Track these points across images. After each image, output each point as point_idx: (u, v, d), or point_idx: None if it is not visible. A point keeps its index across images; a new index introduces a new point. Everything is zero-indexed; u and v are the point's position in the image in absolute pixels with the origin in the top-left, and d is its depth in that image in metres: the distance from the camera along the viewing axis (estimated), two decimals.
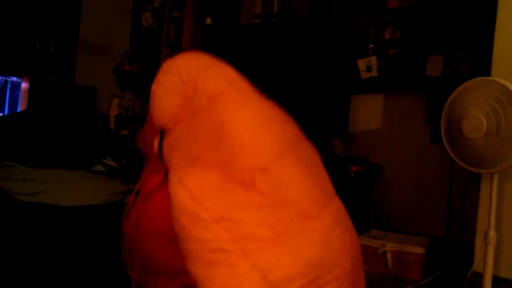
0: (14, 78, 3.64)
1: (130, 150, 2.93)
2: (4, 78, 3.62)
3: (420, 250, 2.29)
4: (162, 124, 0.78)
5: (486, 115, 1.60)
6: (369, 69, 2.84)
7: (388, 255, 2.33)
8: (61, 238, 1.46)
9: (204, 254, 0.60)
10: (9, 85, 3.68)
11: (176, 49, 3.90)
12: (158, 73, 0.76)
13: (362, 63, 2.85)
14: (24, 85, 3.58)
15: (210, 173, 0.64)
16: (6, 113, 3.63)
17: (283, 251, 0.61)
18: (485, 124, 1.59)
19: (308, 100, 2.89)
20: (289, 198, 0.63)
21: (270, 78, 3.03)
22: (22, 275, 1.32)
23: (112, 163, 2.30)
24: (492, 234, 1.70)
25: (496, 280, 1.79)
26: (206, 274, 0.60)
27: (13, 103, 3.67)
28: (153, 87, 0.76)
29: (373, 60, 2.83)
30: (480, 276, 1.76)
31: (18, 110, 3.60)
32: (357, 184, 2.62)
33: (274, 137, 0.70)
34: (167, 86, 0.74)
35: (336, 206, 0.79)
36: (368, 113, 2.98)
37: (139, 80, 3.98)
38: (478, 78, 1.65)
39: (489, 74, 1.93)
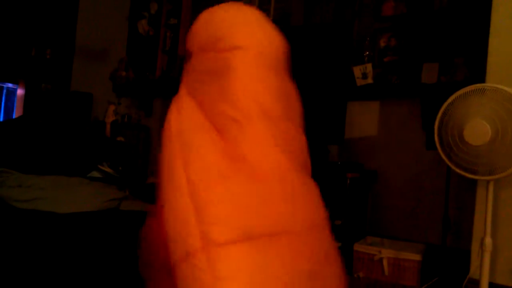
0: (10, 85, 3.63)
1: (125, 157, 2.93)
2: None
3: (417, 257, 2.29)
4: (190, 48, 0.77)
5: (491, 122, 1.60)
6: (364, 76, 2.86)
7: (385, 262, 2.33)
8: (58, 244, 1.45)
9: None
10: (4, 91, 3.67)
11: (172, 56, 3.91)
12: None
13: (357, 70, 2.87)
14: (20, 92, 3.57)
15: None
16: (1, 119, 3.62)
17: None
18: (490, 130, 1.59)
19: (305, 106, 2.90)
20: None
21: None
22: (19, 281, 1.31)
23: (108, 170, 2.29)
24: (488, 240, 1.71)
25: (492, 286, 1.80)
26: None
27: (9, 110, 3.66)
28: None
29: (369, 67, 2.85)
30: (476, 283, 1.76)
31: (14, 117, 3.59)
32: (353, 190, 2.62)
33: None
34: (206, 24, 0.73)
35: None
36: (364, 119, 2.99)
37: (135, 87, 3.98)
38: (474, 85, 1.66)
39: (483, 81, 1.95)
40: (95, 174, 2.27)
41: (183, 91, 0.73)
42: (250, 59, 0.69)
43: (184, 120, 0.67)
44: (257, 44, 0.74)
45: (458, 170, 1.70)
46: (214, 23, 0.73)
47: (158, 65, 3.94)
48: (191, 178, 0.57)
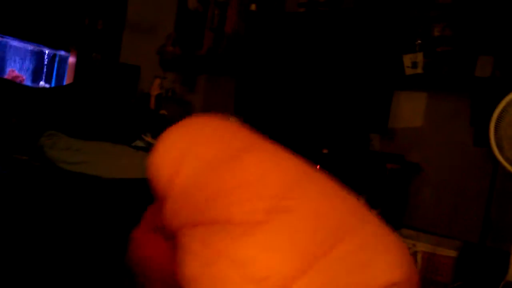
0: (63, 52, 3.76)
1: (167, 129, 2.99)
2: (53, 51, 3.75)
3: (452, 253, 2.24)
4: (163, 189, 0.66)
5: None
6: (414, 65, 2.77)
7: (419, 256, 2.29)
8: (100, 207, 1.52)
9: None
10: (57, 58, 3.81)
11: (219, 34, 3.92)
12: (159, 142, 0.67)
13: (407, 59, 2.78)
14: (72, 60, 3.70)
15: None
16: (53, 85, 3.77)
17: None
18: None
19: (350, 92, 2.86)
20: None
21: (313, 69, 3.01)
22: (61, 237, 1.39)
23: (151, 140, 2.36)
24: None
25: None
26: None
27: (60, 76, 3.81)
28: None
29: (420, 56, 2.76)
30: None
31: (65, 83, 3.74)
32: (392, 181, 2.58)
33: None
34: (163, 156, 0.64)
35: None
36: (409, 110, 2.92)
37: (181, 63, 4.04)
38: None
39: None
40: (139, 143, 2.34)
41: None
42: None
43: None
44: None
45: (510, 166, 1.65)
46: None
47: (205, 42, 3.97)
48: None
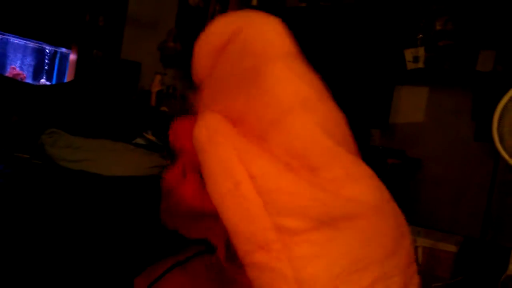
0: (63, 49, 3.77)
1: (168, 126, 3.00)
2: (54, 48, 3.75)
3: (453, 249, 2.24)
4: (200, 78, 0.72)
5: None
6: (416, 60, 2.75)
7: (419, 251, 2.29)
8: (102, 204, 1.53)
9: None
10: (58, 55, 3.81)
11: None
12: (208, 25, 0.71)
13: (409, 54, 2.77)
14: (72, 56, 3.71)
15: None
16: (54, 82, 3.78)
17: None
18: None
19: (351, 88, 2.85)
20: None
21: (314, 64, 3.00)
22: (62, 235, 1.40)
23: (152, 138, 2.36)
24: None
25: None
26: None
27: (61, 74, 3.81)
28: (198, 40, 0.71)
29: (421, 51, 2.74)
30: None
31: (65, 80, 3.74)
32: (393, 177, 2.57)
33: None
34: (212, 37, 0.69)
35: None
36: (411, 105, 2.91)
37: (182, 59, 4.03)
38: None
39: None
40: (139, 141, 2.34)
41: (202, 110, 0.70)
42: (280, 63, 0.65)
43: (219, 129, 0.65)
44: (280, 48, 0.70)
45: None
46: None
47: None
48: (254, 174, 0.55)
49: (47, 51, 3.73)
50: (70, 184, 1.65)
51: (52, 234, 1.39)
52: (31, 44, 3.62)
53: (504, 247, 2.00)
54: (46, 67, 3.75)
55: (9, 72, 3.39)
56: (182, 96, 4.00)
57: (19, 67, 3.54)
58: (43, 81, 3.68)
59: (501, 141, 1.75)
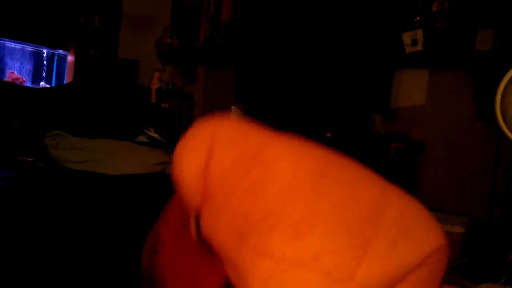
0: (61, 51, 3.76)
1: (170, 123, 3.00)
2: (51, 50, 3.75)
3: (460, 229, 2.25)
4: (190, 199, 0.66)
5: None
6: (414, 42, 2.74)
7: None
8: (108, 204, 1.54)
9: None
10: (56, 58, 3.81)
11: (215, 23, 3.90)
12: (185, 137, 0.66)
13: (407, 37, 2.76)
14: (70, 58, 3.70)
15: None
16: (53, 84, 3.78)
17: None
18: None
19: (350, 74, 2.84)
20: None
21: (313, 52, 2.99)
22: (69, 236, 1.41)
23: (154, 135, 2.36)
24: None
25: None
26: None
27: (60, 76, 3.81)
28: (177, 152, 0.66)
29: (419, 33, 2.73)
30: None
31: (65, 82, 3.74)
32: (397, 161, 2.57)
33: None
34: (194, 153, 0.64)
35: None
36: (411, 88, 2.90)
37: (179, 54, 4.03)
38: None
39: None
40: (142, 138, 2.35)
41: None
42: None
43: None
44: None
45: None
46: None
47: (202, 32, 3.95)
48: None
49: (45, 54, 3.73)
50: (76, 185, 1.66)
51: (61, 235, 1.40)
52: (28, 47, 3.62)
53: (511, 225, 2.00)
54: (44, 70, 3.74)
55: (8, 77, 3.39)
56: (181, 91, 4.00)
57: (17, 71, 3.54)
58: (42, 84, 3.68)
59: (504, 119, 1.75)
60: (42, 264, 1.30)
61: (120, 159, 1.84)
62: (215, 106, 3.85)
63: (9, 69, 3.48)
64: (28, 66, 3.65)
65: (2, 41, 3.41)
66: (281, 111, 3.05)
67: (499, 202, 2.39)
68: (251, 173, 0.61)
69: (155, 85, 3.60)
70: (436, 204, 2.70)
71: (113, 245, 1.43)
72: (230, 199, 0.62)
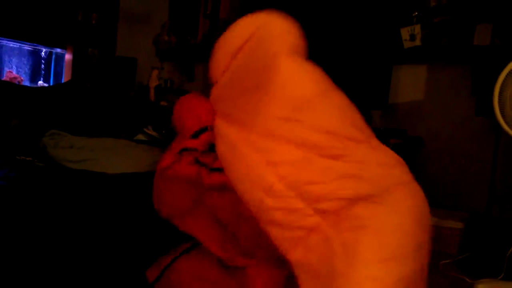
0: (59, 50, 3.75)
1: (169, 121, 2.99)
2: (48, 49, 3.74)
3: (459, 225, 2.25)
4: (215, 75, 0.99)
5: None
6: (412, 38, 2.74)
7: None
8: (108, 203, 1.54)
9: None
10: (53, 56, 3.80)
11: (213, 20, 3.89)
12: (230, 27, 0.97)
13: (405, 32, 2.75)
14: (68, 56, 3.69)
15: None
16: (51, 83, 3.77)
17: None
18: None
19: (348, 70, 2.84)
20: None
21: (311, 46, 2.98)
22: (70, 234, 1.41)
23: (153, 133, 2.36)
24: None
25: None
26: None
27: (58, 74, 3.80)
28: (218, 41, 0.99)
29: (417, 28, 2.72)
30: None
31: (63, 81, 3.74)
32: None
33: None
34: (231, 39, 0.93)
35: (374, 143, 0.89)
36: (410, 84, 2.90)
37: (178, 52, 4.02)
38: None
39: None
40: (141, 137, 2.34)
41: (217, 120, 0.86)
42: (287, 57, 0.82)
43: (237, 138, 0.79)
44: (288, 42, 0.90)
45: None
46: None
47: (200, 29, 3.94)
48: (282, 174, 0.68)
49: (43, 52, 3.72)
50: (75, 184, 1.66)
51: (60, 235, 1.40)
52: (26, 46, 3.61)
53: (510, 219, 2.01)
54: (42, 69, 3.74)
55: (6, 76, 3.38)
56: (180, 89, 3.99)
57: (15, 70, 3.53)
58: (40, 83, 3.68)
59: (503, 114, 1.75)
60: (42, 263, 1.31)
61: (119, 157, 1.84)
62: None
63: (7, 68, 3.47)
64: (26, 65, 3.65)
65: (0, 40, 3.40)
66: None
67: (497, 198, 2.40)
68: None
69: (153, 83, 3.60)
70: (435, 200, 2.71)
71: (113, 244, 1.43)
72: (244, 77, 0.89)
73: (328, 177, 0.66)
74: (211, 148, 1.06)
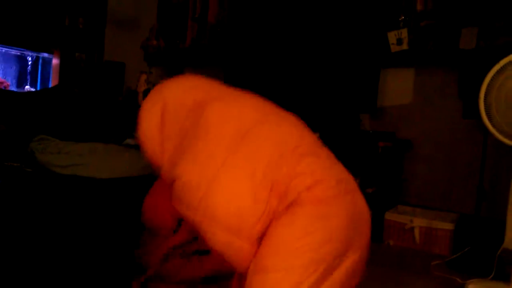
0: (46, 54, 3.71)
1: None
2: (35, 54, 3.70)
3: (449, 226, 2.28)
4: (156, 161, 1.05)
5: None
6: (399, 42, 2.76)
7: (416, 231, 2.32)
8: (96, 208, 1.52)
9: None
10: (40, 61, 3.76)
11: (202, 24, 3.88)
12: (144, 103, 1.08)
13: (392, 36, 2.78)
14: (55, 61, 3.65)
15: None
16: (38, 88, 3.73)
17: None
18: None
19: (336, 74, 2.86)
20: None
21: (299, 50, 2.99)
22: (58, 240, 1.39)
23: None
24: None
25: None
26: None
27: (45, 79, 3.76)
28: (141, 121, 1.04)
29: (404, 32, 2.75)
30: (511, 253, 1.74)
31: (50, 86, 3.69)
32: (385, 159, 2.59)
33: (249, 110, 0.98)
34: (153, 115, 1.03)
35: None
36: (398, 87, 2.92)
37: (166, 56, 4.00)
38: None
39: None
40: (130, 141, 2.32)
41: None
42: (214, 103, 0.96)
43: None
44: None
45: (501, 137, 1.68)
46: None
47: (188, 33, 3.93)
48: None
49: (29, 57, 3.68)
50: (64, 190, 1.64)
51: (49, 240, 1.38)
52: (12, 51, 3.56)
53: (499, 220, 2.03)
54: (29, 74, 3.69)
55: None
56: None
57: (1, 75, 3.48)
58: (27, 87, 3.63)
59: (489, 117, 1.78)
60: (31, 268, 1.29)
61: (108, 162, 1.82)
62: None
63: None
64: (13, 70, 3.60)
65: None
66: None
67: (486, 198, 2.43)
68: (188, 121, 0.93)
69: (142, 87, 3.57)
70: (424, 201, 2.73)
71: (103, 248, 1.41)
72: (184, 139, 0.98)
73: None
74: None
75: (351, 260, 0.84)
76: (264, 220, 0.82)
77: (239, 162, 0.86)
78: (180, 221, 1.12)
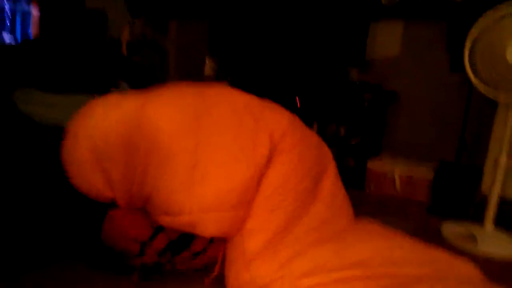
0: (25, 5, 3.58)
1: (142, 77, 2.94)
2: (13, 4, 3.57)
3: (428, 174, 2.33)
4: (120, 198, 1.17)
5: None
6: None
7: (397, 178, 2.38)
8: None
9: None
10: (19, 11, 3.64)
11: None
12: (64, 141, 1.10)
13: None
14: (35, 12, 3.53)
15: None
16: (19, 40, 3.63)
17: None
18: None
19: (326, 27, 2.82)
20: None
21: (289, 2, 2.93)
22: (44, 190, 1.40)
23: (126, 88, 2.32)
24: (503, 158, 1.72)
25: (503, 201, 1.83)
26: None
27: (25, 30, 3.66)
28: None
29: None
30: (487, 198, 1.80)
31: (31, 37, 3.59)
32: (370, 110, 2.62)
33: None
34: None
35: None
36: (386, 40, 2.90)
37: (150, 5, 3.88)
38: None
39: None
40: (114, 92, 2.30)
41: None
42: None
43: None
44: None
45: (484, 87, 1.71)
46: None
47: None
48: None
49: (7, 8, 3.55)
50: (47, 140, 1.63)
51: (32, 190, 1.39)
52: None
53: (477, 167, 2.09)
54: (8, 25, 3.57)
55: None
56: (153, 43, 3.89)
57: None
58: (7, 38, 3.53)
59: (473, 69, 1.79)
60: (11, 220, 1.31)
61: None
62: (189, 60, 3.79)
63: None
64: None
65: None
66: (256, 64, 3.02)
67: (467, 149, 2.48)
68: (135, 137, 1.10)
69: (125, 37, 3.49)
70: (407, 151, 2.79)
71: (83, 201, 1.43)
72: (129, 163, 1.06)
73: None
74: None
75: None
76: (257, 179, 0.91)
77: (211, 148, 0.98)
78: (143, 245, 1.14)
